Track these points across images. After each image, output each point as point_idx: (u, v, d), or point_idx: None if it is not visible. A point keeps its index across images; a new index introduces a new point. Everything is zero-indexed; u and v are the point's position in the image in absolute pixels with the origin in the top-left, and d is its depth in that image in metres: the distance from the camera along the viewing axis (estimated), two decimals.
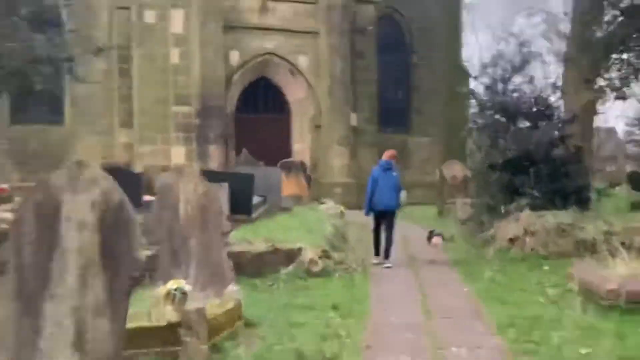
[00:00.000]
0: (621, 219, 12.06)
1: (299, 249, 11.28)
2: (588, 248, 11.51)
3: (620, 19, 13.91)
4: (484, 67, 14.99)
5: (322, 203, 18.25)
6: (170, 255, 8.76)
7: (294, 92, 26.77)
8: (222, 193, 13.25)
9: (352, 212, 19.39)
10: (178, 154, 24.83)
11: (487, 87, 14.91)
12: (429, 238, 14.96)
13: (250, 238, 11.75)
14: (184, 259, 8.68)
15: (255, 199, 14.79)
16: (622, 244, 11.32)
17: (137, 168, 24.77)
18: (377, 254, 12.55)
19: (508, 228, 12.97)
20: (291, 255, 11.23)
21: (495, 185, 14.49)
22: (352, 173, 25.63)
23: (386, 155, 12.86)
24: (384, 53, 29.29)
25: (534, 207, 13.41)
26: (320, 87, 26.30)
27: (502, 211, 13.92)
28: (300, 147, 26.88)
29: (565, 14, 16.37)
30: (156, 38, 24.90)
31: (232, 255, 11.08)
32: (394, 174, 12.50)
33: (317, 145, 26.57)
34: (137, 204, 13.99)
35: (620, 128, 36.85)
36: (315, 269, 11.11)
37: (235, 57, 25.35)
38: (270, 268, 11.04)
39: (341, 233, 14.47)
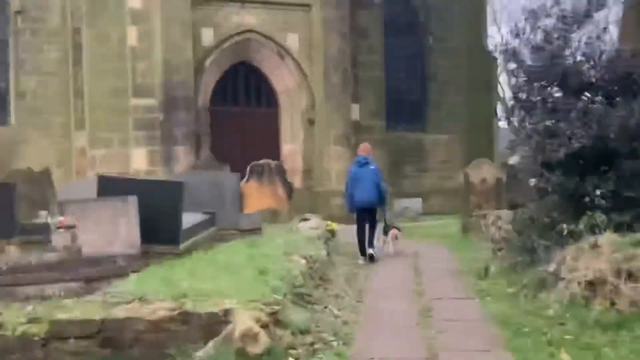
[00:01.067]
0: None
1: (226, 312, 6.45)
2: None
3: None
4: (534, 15, 10.02)
5: (305, 220, 13.42)
6: None
7: (283, 80, 21.97)
8: (126, 212, 8.53)
9: (352, 229, 14.85)
10: (139, 158, 20.11)
11: (537, 48, 9.99)
12: (385, 233, 12.82)
13: (151, 290, 6.94)
14: None
15: (193, 219, 9.98)
16: None
17: (90, 176, 20.16)
18: (362, 254, 12.12)
19: (582, 262, 8.06)
20: (212, 325, 6.41)
21: (554, 192, 9.59)
22: None
23: (361, 150, 12.91)
24: (393, 35, 24.40)
25: (618, 227, 8.57)
26: (314, 73, 21.48)
27: (565, 232, 9.06)
28: (291, 148, 22.06)
29: None
30: (110, 15, 20.19)
31: (104, 325, 6.34)
32: (372, 167, 12.32)
33: (311, 145, 21.74)
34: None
35: None
36: (255, 349, 6.24)
37: (208, 37, 20.58)
38: (177, 347, 6.26)
39: (321, 271, 9.62)
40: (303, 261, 9.26)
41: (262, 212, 14.03)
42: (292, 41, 21.46)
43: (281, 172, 14.63)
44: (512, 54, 10.18)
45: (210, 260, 8.46)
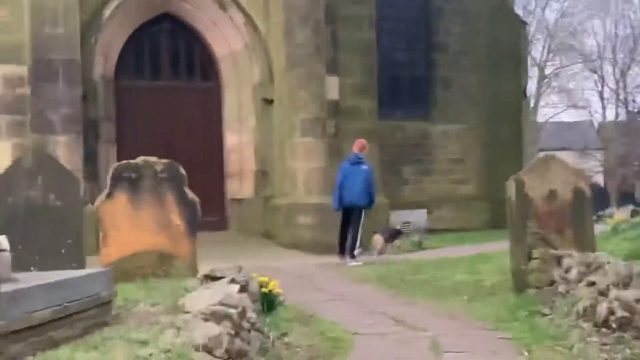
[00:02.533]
0: None
1: None
2: None
3: None
4: None
5: (213, 278, 6.55)
6: None
7: (226, 41, 15.23)
8: None
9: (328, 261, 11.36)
10: (2, 153, 13.31)
11: None
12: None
13: None
14: None
15: None
16: None
17: None
18: (341, 252, 11.82)
19: None
20: None
21: None
22: (330, 186, 13.54)
23: (356, 146, 12.18)
24: None
25: None
26: (272, 30, 14.75)
27: None
28: (238, 140, 15.40)
29: None
30: None
31: None
32: (364, 167, 11.94)
33: (268, 135, 15.01)
34: None
35: None
36: None
37: None
38: None
39: None
40: None
41: (135, 260, 7.25)
42: None
43: (177, 179, 7.67)
44: None
45: None
